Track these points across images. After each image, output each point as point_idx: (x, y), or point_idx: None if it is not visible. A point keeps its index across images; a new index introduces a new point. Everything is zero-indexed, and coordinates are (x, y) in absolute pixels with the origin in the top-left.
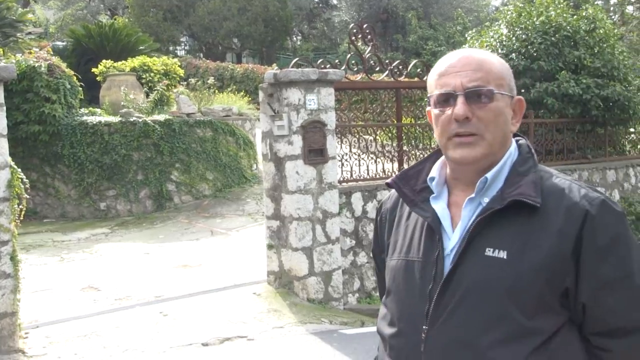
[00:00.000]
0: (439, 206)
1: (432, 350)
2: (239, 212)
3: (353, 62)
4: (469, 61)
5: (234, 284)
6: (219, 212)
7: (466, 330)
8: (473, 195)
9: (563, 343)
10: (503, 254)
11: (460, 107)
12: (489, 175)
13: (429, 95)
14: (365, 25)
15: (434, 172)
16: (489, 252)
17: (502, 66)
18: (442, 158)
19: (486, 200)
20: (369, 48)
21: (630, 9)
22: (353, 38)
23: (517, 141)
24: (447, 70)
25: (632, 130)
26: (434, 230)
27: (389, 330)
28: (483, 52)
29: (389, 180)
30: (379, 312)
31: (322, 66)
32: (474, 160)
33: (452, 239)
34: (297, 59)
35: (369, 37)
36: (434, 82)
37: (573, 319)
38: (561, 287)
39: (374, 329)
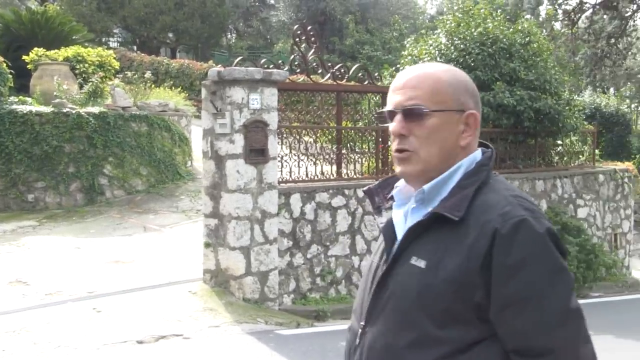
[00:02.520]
0: (398, 214)
1: (363, 345)
2: (173, 209)
3: (296, 63)
4: (410, 78)
5: (169, 281)
6: (152, 208)
7: (387, 330)
8: (414, 205)
9: (478, 356)
10: (422, 264)
11: (395, 124)
12: (426, 187)
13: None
14: (309, 27)
15: (400, 182)
16: (413, 260)
17: (449, 81)
18: None
19: (429, 210)
20: (312, 50)
21: (558, 25)
22: (297, 39)
23: (483, 152)
24: (395, 87)
25: (559, 142)
26: (384, 235)
27: (349, 323)
28: (435, 68)
29: (365, 188)
30: None
31: (266, 66)
32: (410, 176)
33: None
34: (240, 57)
35: (312, 39)
36: (388, 98)
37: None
38: (472, 301)
39: (309, 330)
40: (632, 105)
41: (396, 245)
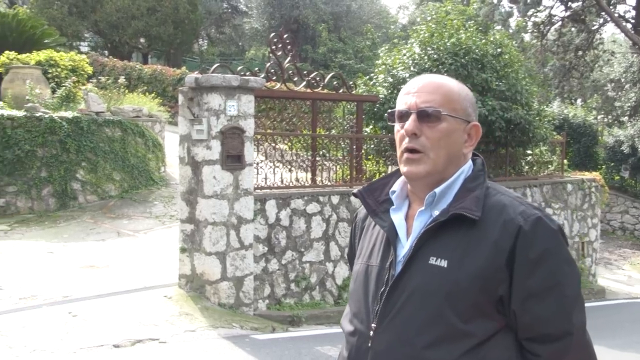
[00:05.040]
0: (397, 217)
1: (377, 346)
2: (147, 214)
3: (272, 70)
4: (428, 84)
5: (144, 286)
6: (126, 213)
7: (406, 330)
8: (423, 207)
9: (496, 347)
10: (444, 263)
11: (410, 123)
12: (437, 190)
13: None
14: (285, 35)
15: (396, 186)
16: (432, 260)
17: (460, 93)
18: None
19: (436, 213)
20: (288, 58)
21: (527, 37)
22: (273, 47)
23: (474, 159)
24: (409, 90)
25: (529, 152)
26: (389, 239)
27: (347, 328)
28: (446, 79)
29: (355, 191)
30: (344, 311)
31: (242, 73)
32: (418, 176)
33: (405, 248)
34: (217, 64)
35: (288, 47)
36: (399, 99)
37: (510, 325)
38: (495, 294)
39: (284, 334)
40: (599, 117)
41: (407, 246)
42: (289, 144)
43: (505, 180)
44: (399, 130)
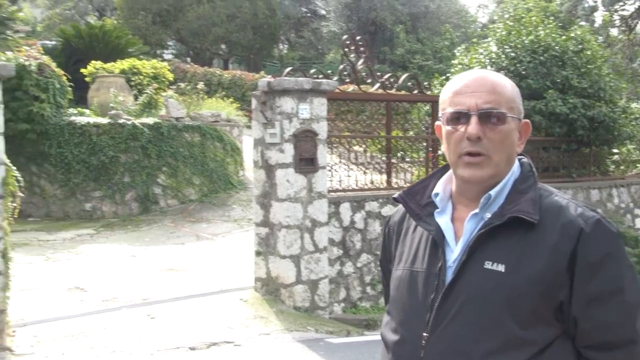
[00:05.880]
0: (443, 220)
1: (430, 356)
2: (225, 218)
3: (345, 73)
4: (484, 82)
5: (221, 289)
6: (205, 217)
7: (462, 338)
8: (477, 210)
9: (556, 355)
10: (501, 267)
11: (473, 126)
12: (492, 192)
13: (441, 111)
14: (358, 37)
15: (439, 188)
16: (488, 264)
17: (513, 89)
18: (447, 175)
19: (488, 215)
20: (362, 60)
21: (614, 31)
22: (346, 49)
23: (519, 160)
24: (462, 90)
25: (615, 151)
26: (437, 243)
27: (392, 337)
28: (497, 75)
29: (395, 195)
30: (383, 319)
31: (315, 76)
32: (481, 180)
33: (455, 252)
34: (289, 68)
35: (361, 48)
36: (448, 100)
37: (567, 331)
38: (556, 300)
39: (359, 338)
40: None
41: (457, 251)
42: (364, 146)
43: (589, 180)
44: (453, 132)
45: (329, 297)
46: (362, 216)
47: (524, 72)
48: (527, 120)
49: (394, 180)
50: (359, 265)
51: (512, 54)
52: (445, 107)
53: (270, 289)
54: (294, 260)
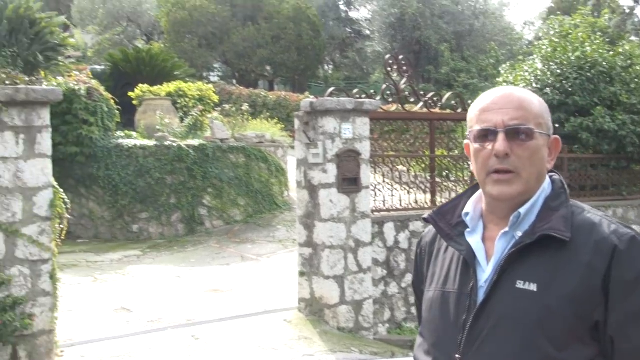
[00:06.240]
0: (474, 240)
1: None
2: (270, 239)
3: (388, 92)
4: (511, 99)
5: (265, 310)
6: (250, 237)
7: (497, 359)
8: (507, 229)
9: None
10: (533, 287)
11: (500, 143)
12: (522, 210)
13: (469, 129)
14: (401, 57)
15: (469, 207)
16: (519, 284)
17: (541, 106)
18: (477, 194)
19: (519, 234)
20: (404, 79)
21: None
22: (389, 69)
23: (550, 177)
24: (489, 107)
25: None
26: (468, 263)
27: (424, 359)
28: (524, 91)
29: (425, 216)
30: (416, 341)
31: (358, 96)
32: (511, 197)
33: (486, 272)
34: (332, 88)
35: (404, 68)
36: (475, 117)
37: (604, 352)
38: (591, 319)
39: None
40: None
41: (489, 270)
42: (408, 165)
43: None
44: (480, 149)
45: (373, 318)
46: (406, 236)
47: (570, 89)
48: (557, 137)
49: (438, 199)
50: (403, 285)
51: (558, 71)
52: (473, 125)
53: (314, 309)
54: (338, 280)
